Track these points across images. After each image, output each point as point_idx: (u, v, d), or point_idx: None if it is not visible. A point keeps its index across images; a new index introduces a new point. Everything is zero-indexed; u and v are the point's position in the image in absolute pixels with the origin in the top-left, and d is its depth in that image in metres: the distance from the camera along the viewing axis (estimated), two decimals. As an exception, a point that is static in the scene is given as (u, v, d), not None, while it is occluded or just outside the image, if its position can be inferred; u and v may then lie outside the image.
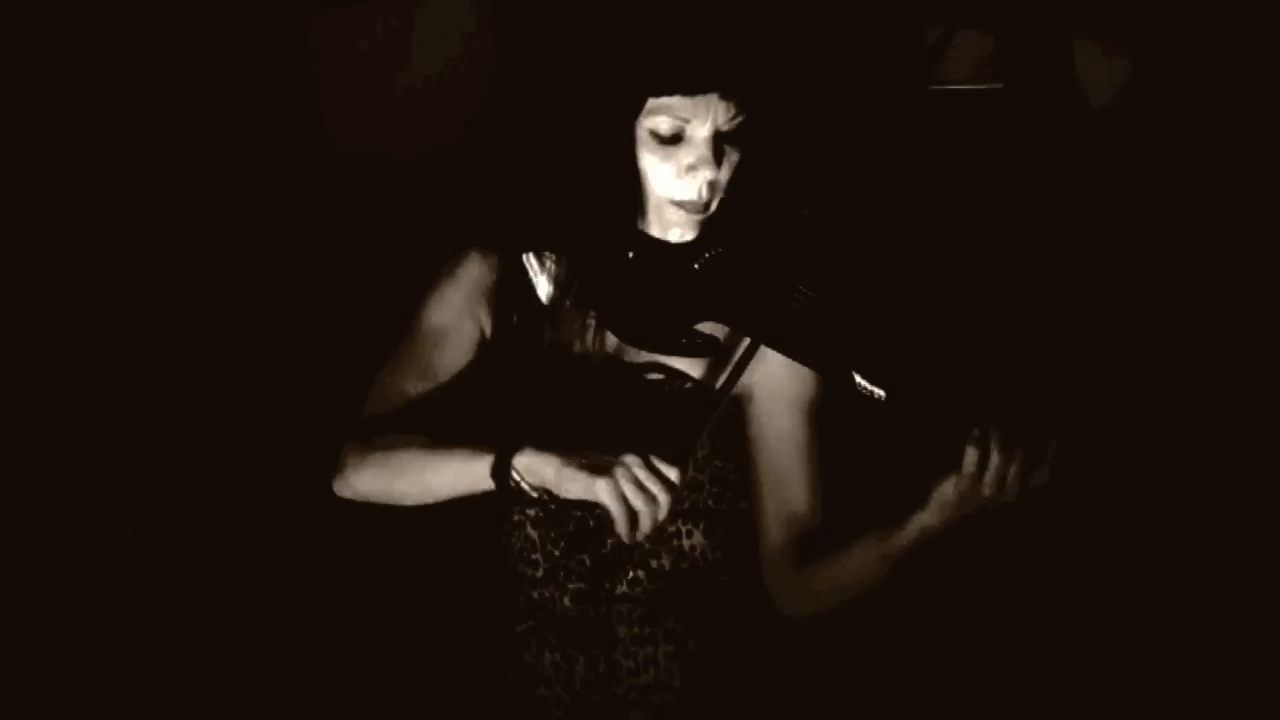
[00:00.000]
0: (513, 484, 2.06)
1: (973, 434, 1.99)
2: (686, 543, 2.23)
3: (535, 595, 2.22)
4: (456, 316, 2.25)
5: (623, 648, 2.21)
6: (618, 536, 2.01)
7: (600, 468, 2.01)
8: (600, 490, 2.00)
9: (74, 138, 2.90)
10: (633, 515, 2.00)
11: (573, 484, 2.03)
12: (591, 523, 2.21)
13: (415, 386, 2.24)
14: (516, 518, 2.24)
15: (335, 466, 2.20)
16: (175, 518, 2.93)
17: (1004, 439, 1.99)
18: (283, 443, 2.94)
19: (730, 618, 2.26)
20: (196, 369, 2.96)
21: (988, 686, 2.64)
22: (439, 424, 2.19)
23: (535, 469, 2.05)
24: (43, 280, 2.91)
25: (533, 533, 2.22)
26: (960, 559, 2.19)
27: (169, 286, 2.95)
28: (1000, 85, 2.92)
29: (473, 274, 2.26)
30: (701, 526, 2.24)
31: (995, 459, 1.99)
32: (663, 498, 2.00)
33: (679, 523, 2.23)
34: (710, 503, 2.25)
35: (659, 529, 2.02)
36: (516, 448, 2.07)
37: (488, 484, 2.08)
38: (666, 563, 2.22)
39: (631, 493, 1.99)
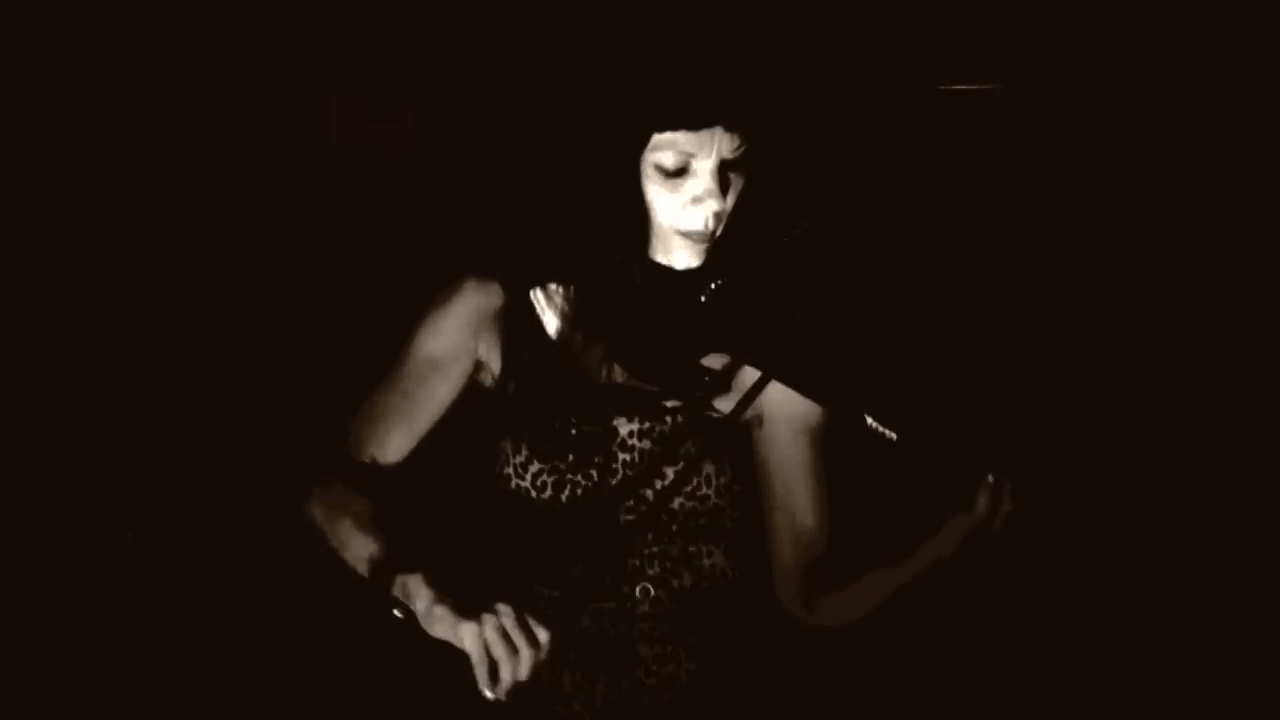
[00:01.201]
0: (386, 599, 2.09)
1: (988, 480, 2.03)
2: (707, 562, 2.25)
3: (554, 614, 2.22)
4: (449, 345, 2.26)
5: (645, 666, 2.22)
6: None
7: (470, 613, 2.01)
8: (464, 634, 2.00)
9: (74, 140, 2.88)
10: (494, 665, 1.99)
11: (439, 624, 2.03)
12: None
13: (397, 415, 2.26)
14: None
15: (310, 490, 2.25)
16: (175, 518, 2.93)
17: (1017, 486, 2.03)
18: (283, 443, 2.93)
19: (752, 635, 2.28)
20: (196, 369, 2.95)
21: (1004, 699, 2.68)
22: (419, 454, 2.25)
23: (410, 593, 2.07)
24: (43, 280, 2.89)
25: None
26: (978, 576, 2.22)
27: (169, 286, 2.94)
28: (1000, 85, 2.93)
29: (470, 303, 2.26)
30: (722, 547, 2.26)
31: (1007, 504, 2.03)
32: (526, 654, 1.99)
33: (700, 543, 2.24)
34: (729, 525, 2.26)
35: (520, 687, 2.00)
36: (405, 568, 2.08)
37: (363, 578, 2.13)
38: (688, 582, 2.23)
39: (494, 642, 1.99)
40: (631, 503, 2.21)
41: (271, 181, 2.94)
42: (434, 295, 2.29)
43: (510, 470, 2.22)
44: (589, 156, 2.17)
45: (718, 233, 2.17)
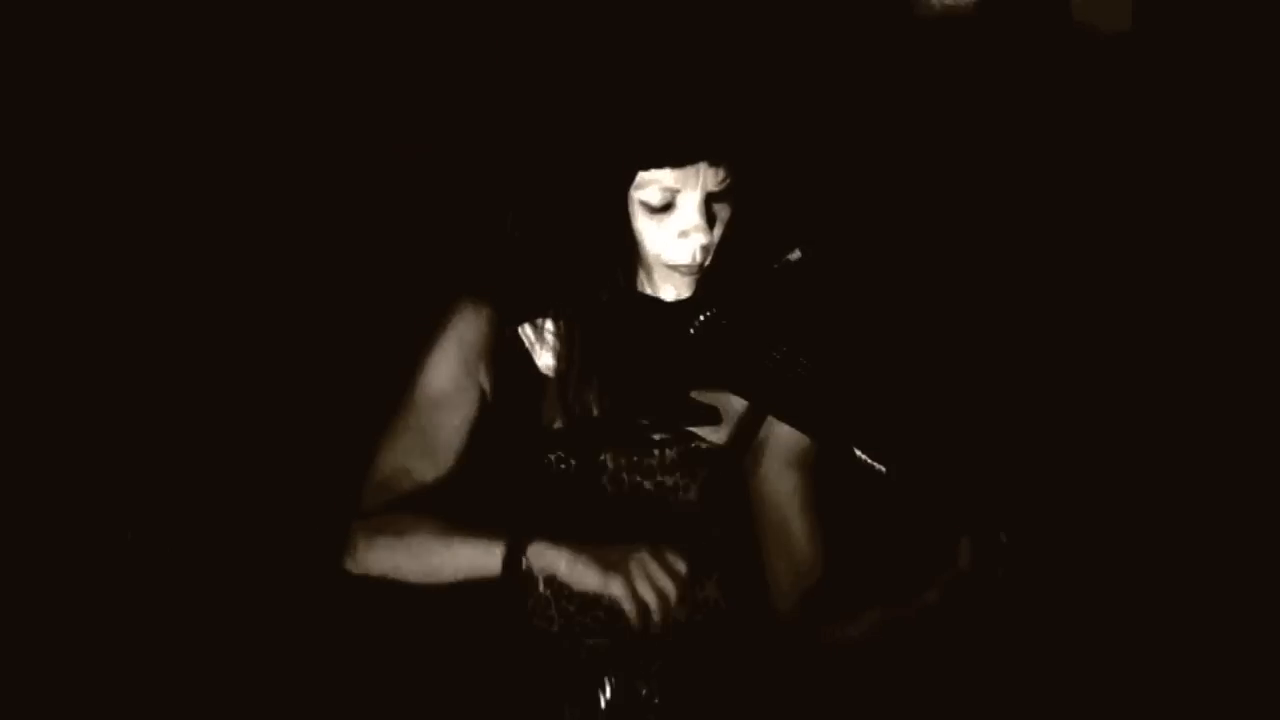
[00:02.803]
0: (524, 572, 2.10)
1: (969, 537, 2.04)
2: (700, 594, 2.25)
3: (552, 649, 2.24)
4: (459, 376, 2.25)
5: (644, 701, 2.23)
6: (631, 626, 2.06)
7: (612, 562, 2.05)
8: (613, 585, 2.05)
9: (77, 143, 2.88)
10: (644, 608, 2.04)
11: (585, 577, 2.07)
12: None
13: (418, 453, 2.24)
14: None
15: (346, 546, 2.22)
16: (175, 518, 2.94)
17: (999, 542, 2.04)
18: (284, 444, 2.95)
19: (748, 665, 2.29)
20: (197, 370, 2.95)
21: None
22: (444, 494, 2.22)
23: (548, 561, 2.09)
24: (43, 280, 2.90)
25: (545, 591, 2.24)
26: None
27: (169, 287, 2.94)
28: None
29: (469, 330, 2.25)
30: (714, 579, 2.26)
31: (989, 561, 2.05)
32: (672, 590, 2.04)
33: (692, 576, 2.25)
34: (722, 556, 2.27)
35: (670, 619, 2.05)
36: (529, 539, 2.10)
37: (496, 572, 2.11)
38: (682, 615, 2.24)
39: (643, 587, 2.04)
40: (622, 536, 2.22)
41: (273, 191, 2.94)
42: (433, 327, 2.28)
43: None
44: (575, 194, 2.17)
45: (706, 264, 2.17)
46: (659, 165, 2.11)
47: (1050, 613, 2.64)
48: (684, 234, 2.14)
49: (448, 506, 2.21)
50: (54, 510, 2.89)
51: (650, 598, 2.04)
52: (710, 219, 2.14)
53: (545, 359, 2.24)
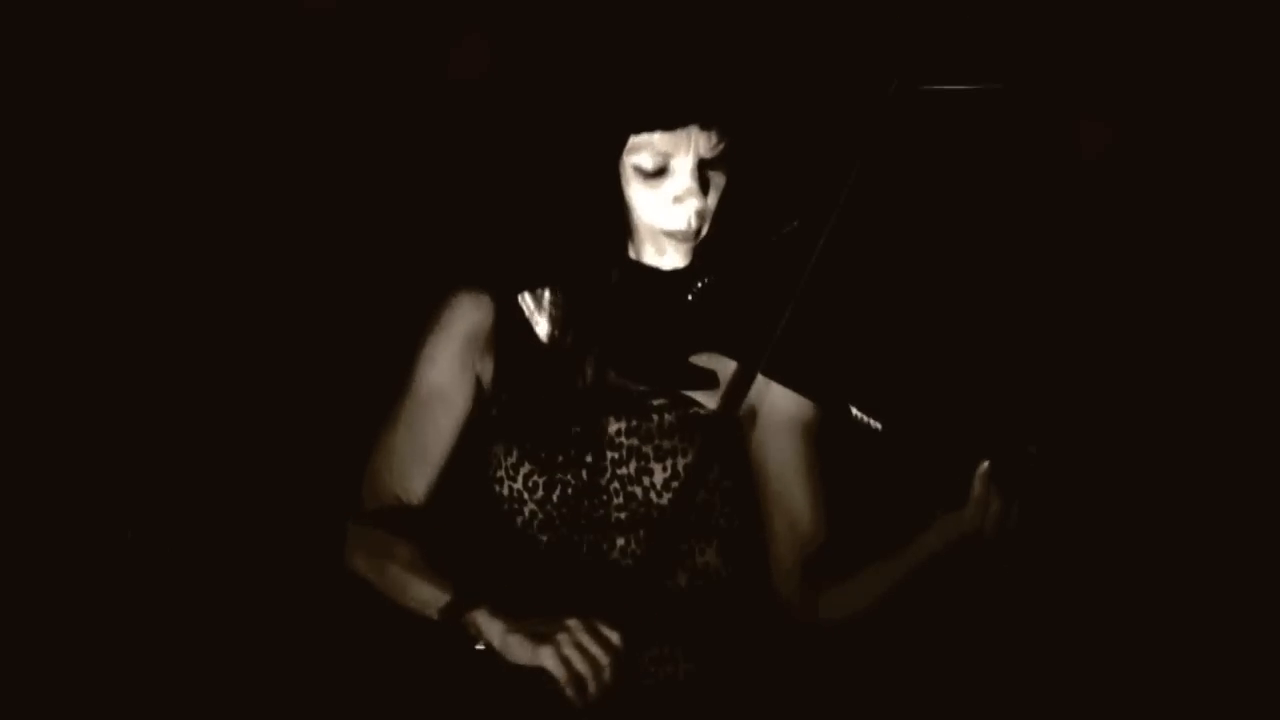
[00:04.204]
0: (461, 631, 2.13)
1: (981, 470, 2.03)
2: (700, 560, 2.25)
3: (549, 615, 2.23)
4: (453, 371, 2.27)
5: (643, 668, 2.22)
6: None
7: (543, 635, 2.05)
8: (544, 657, 2.05)
9: (77, 144, 2.89)
10: (579, 679, 2.03)
11: (518, 651, 2.08)
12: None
13: (411, 455, 2.28)
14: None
15: (345, 545, 2.28)
16: (175, 518, 2.93)
17: (1006, 480, 2.02)
18: (283, 443, 2.94)
19: (748, 633, 2.28)
20: (196, 369, 2.95)
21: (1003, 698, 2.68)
22: (442, 488, 2.27)
23: (483, 630, 2.10)
24: (43, 280, 2.90)
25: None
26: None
27: (168, 287, 2.94)
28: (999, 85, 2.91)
29: (465, 321, 2.28)
30: (714, 545, 2.26)
31: (995, 504, 2.04)
32: (605, 660, 2.04)
33: (691, 541, 2.24)
34: (722, 522, 2.27)
35: (607, 691, 2.04)
36: (473, 604, 2.11)
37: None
38: (682, 581, 2.24)
39: (575, 657, 2.03)
40: (621, 500, 2.21)
41: (269, 190, 2.95)
42: (428, 319, 2.30)
43: (502, 473, 2.23)
44: (569, 161, 2.18)
45: (702, 231, 2.18)
46: (650, 128, 2.13)
47: (1057, 585, 2.63)
48: (678, 199, 2.15)
49: (437, 511, 2.27)
50: (54, 510, 2.88)
51: (583, 668, 2.04)
52: (704, 184, 2.16)
53: (544, 327, 2.25)
